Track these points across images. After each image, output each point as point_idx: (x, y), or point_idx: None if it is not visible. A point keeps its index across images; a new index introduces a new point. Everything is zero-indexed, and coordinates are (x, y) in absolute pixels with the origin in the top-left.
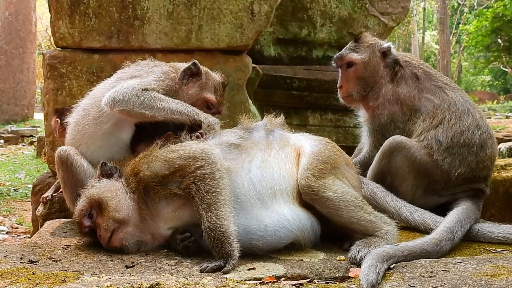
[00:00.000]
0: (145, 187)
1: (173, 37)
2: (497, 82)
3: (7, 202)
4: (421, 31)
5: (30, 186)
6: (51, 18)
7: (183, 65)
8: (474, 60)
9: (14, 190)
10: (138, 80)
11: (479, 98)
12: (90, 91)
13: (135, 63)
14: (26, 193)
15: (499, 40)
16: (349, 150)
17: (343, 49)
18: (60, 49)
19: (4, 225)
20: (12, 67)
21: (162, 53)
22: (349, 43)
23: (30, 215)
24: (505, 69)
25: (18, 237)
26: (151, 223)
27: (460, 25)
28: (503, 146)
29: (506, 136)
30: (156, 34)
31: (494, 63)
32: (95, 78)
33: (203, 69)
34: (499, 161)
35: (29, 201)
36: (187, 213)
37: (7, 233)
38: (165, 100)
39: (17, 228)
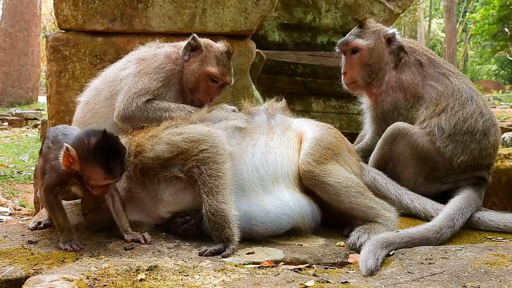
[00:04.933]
0: (144, 168)
1: (177, 21)
2: (503, 71)
3: (10, 184)
4: (427, 18)
5: (34, 168)
6: (54, 0)
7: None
8: (481, 49)
9: (18, 172)
10: (140, 84)
11: (485, 87)
12: (102, 71)
13: (143, 45)
14: (29, 175)
15: (506, 29)
16: (353, 137)
17: (347, 35)
18: (63, 31)
19: (7, 207)
20: (16, 50)
21: (166, 36)
22: (354, 29)
23: (33, 197)
24: (511, 58)
25: (21, 219)
26: (150, 205)
27: (467, 13)
28: (507, 135)
29: (510, 126)
30: (159, 18)
31: (501, 52)
32: (98, 61)
33: (203, 41)
34: (503, 150)
35: (32, 183)
36: (187, 197)
37: (10, 214)
38: (169, 109)
39: (20, 210)
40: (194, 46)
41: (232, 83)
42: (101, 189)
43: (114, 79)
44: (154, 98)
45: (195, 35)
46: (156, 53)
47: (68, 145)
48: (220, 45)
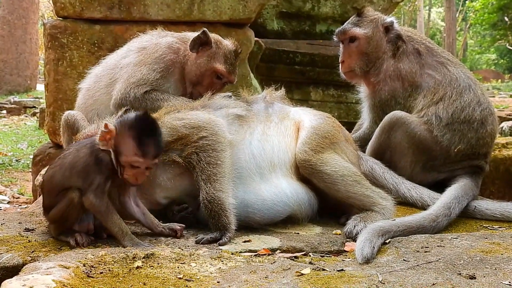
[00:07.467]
0: None
1: (175, 9)
2: (502, 60)
3: (9, 172)
4: (427, 7)
5: (32, 156)
6: None
7: (193, 35)
8: (480, 38)
9: (16, 160)
10: (139, 74)
11: (484, 76)
12: (103, 59)
13: (145, 33)
14: (28, 163)
15: (506, 18)
16: (351, 126)
17: (345, 23)
18: (61, 19)
19: (5, 195)
20: (14, 38)
21: (164, 25)
22: (351, 17)
23: (31, 186)
24: (511, 47)
25: (19, 207)
26: (147, 188)
27: (466, 2)
28: (505, 125)
29: (509, 115)
30: (158, 6)
31: (500, 41)
32: (96, 49)
33: (214, 37)
34: (501, 140)
35: (30, 171)
36: (184, 182)
37: (8, 203)
38: (168, 99)
39: (18, 198)
40: (204, 41)
41: (235, 82)
42: (132, 171)
43: (114, 67)
44: (152, 89)
45: (205, 29)
46: (158, 42)
47: (106, 122)
48: (229, 43)
